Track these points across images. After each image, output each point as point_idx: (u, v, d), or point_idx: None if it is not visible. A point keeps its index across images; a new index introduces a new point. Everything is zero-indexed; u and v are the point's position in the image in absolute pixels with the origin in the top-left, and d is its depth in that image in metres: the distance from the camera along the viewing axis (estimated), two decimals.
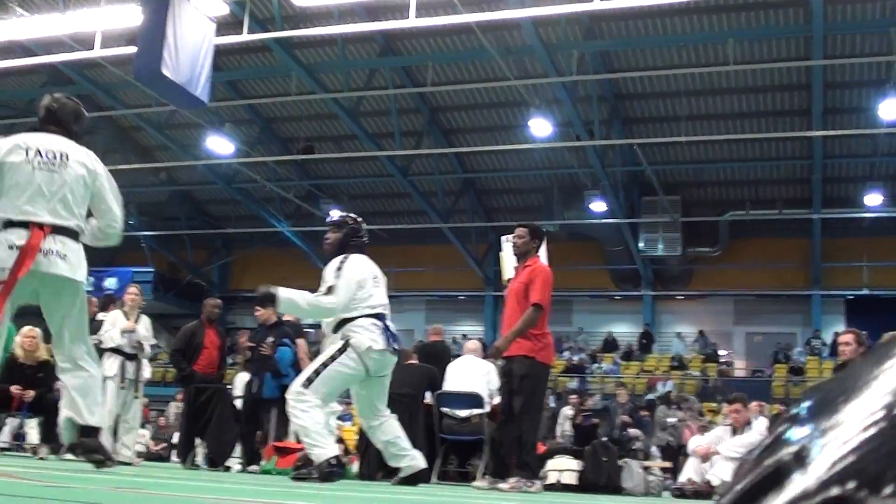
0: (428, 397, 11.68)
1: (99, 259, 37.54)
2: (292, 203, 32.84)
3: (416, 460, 8.31)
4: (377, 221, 32.94)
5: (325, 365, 7.67)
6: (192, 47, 15.13)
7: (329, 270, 7.95)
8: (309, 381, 7.62)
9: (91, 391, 6.54)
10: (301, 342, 12.54)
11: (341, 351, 7.71)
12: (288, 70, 24.77)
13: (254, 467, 11.98)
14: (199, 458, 12.69)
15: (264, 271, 35.11)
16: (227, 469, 12.07)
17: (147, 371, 12.23)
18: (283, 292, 7.70)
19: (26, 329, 12.38)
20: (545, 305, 8.84)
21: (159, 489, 4.93)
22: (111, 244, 6.76)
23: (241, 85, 27.48)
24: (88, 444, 6.53)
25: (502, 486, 8.55)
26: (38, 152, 6.31)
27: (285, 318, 12.54)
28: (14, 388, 12.00)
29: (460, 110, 27.74)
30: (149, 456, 18.20)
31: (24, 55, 21.49)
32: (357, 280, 7.93)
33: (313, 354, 11.91)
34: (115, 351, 11.50)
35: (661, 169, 29.06)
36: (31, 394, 11.98)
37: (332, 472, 7.49)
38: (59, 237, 6.22)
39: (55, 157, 6.33)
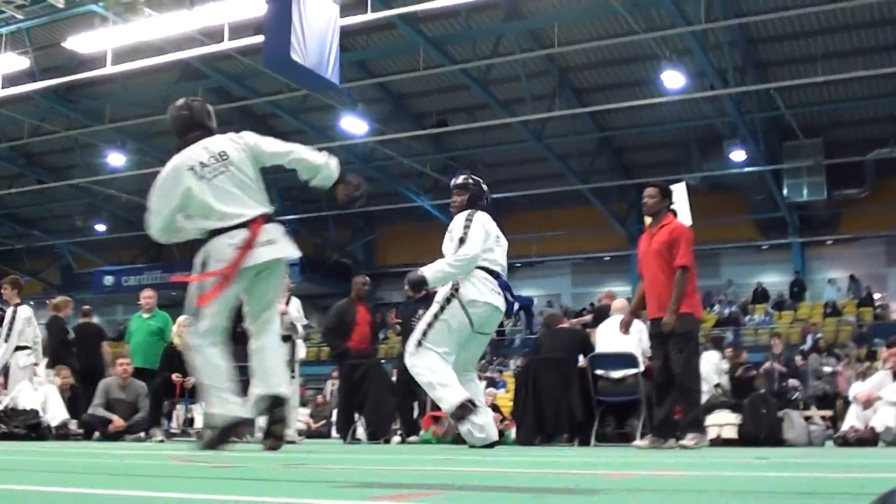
0: (581, 360, 11.63)
1: None
2: (430, 177, 32.99)
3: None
4: (515, 188, 32.85)
5: (431, 324, 7.82)
6: (318, 30, 15.27)
7: (457, 224, 8.02)
8: (419, 343, 7.80)
9: (283, 362, 7.02)
10: None
11: (446, 304, 7.84)
12: (415, 45, 24.82)
13: (413, 438, 12.11)
14: (359, 432, 12.88)
15: (407, 246, 35.51)
16: (388, 441, 12.23)
17: (302, 351, 12.45)
18: (427, 270, 7.76)
19: (182, 318, 12.72)
20: (692, 266, 8.77)
21: (325, 464, 5.01)
22: (327, 175, 6.85)
23: (369, 64, 27.64)
24: (278, 415, 6.72)
25: (686, 442, 8.51)
26: (201, 164, 6.55)
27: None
28: (175, 376, 12.36)
29: (590, 69, 27.44)
30: (309, 433, 18.56)
31: (156, 54, 21.96)
32: (486, 231, 8.01)
33: None
34: None
35: (801, 112, 28.30)
36: (191, 381, 12.32)
37: (466, 411, 7.59)
38: (267, 225, 6.53)
39: (217, 159, 6.58)
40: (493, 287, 7.95)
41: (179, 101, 7.10)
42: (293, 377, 12.02)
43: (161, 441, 11.93)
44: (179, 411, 14.75)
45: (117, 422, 12.23)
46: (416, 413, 12.85)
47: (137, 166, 32.55)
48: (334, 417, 17.75)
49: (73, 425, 12.47)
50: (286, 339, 11.79)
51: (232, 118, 29.80)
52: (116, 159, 32.90)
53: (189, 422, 14.52)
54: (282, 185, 32.82)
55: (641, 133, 31.05)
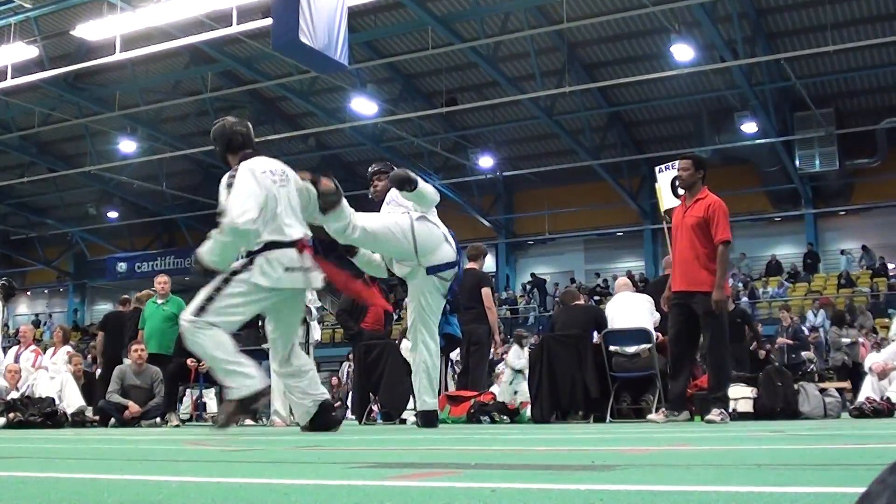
0: (595, 337, 11.63)
1: None
2: (441, 156, 32.96)
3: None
4: (526, 165, 32.87)
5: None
6: (326, 12, 15.21)
7: (398, 195, 8.15)
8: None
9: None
10: (486, 290, 12.56)
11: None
12: (423, 24, 24.77)
13: None
14: (375, 413, 12.90)
15: None
16: (403, 422, 12.25)
17: (317, 333, 12.45)
18: (421, 181, 7.90)
19: None
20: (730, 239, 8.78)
21: (340, 445, 5.02)
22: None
23: (378, 44, 27.60)
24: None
25: (712, 417, 8.54)
26: (272, 171, 6.78)
27: (468, 266, 12.67)
28: (189, 361, 12.39)
29: (599, 43, 27.36)
30: None
31: (164, 40, 21.90)
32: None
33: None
34: None
35: (811, 82, 28.18)
36: (206, 365, 12.35)
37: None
38: (307, 251, 6.80)
39: (281, 174, 6.85)
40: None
41: (231, 118, 7.31)
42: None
43: (177, 426, 11.97)
44: (191, 395, 14.77)
45: (133, 408, 12.26)
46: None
47: (149, 152, 32.63)
48: (350, 399, 17.80)
49: (89, 412, 12.51)
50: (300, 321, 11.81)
51: (243, 101, 29.89)
52: (127, 146, 32.93)
53: (203, 406, 14.56)
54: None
55: (652, 107, 30.97)
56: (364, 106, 28.75)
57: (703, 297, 8.60)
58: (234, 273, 6.57)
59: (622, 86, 28.49)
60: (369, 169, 8.83)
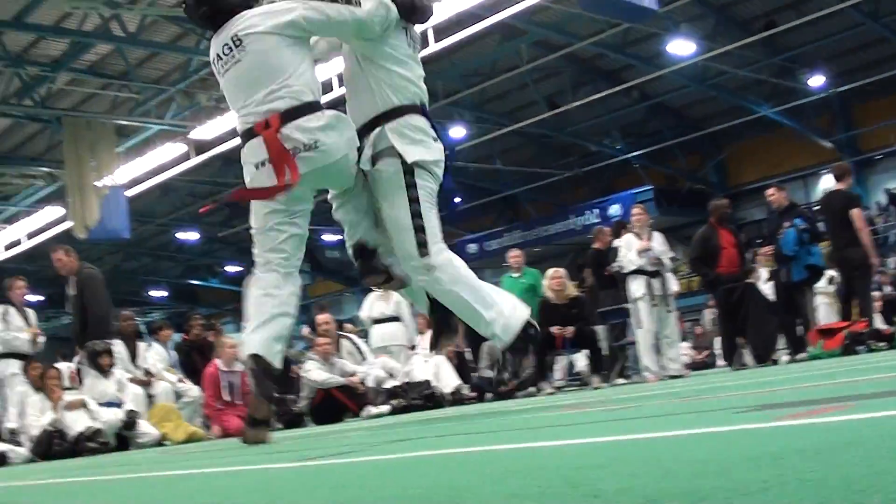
0: None
1: (598, 191, 38.48)
2: (768, 83, 31.87)
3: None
4: (860, 77, 31.20)
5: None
6: None
7: None
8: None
9: None
10: (856, 211, 12.02)
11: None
12: None
13: (801, 355, 11.80)
14: (746, 356, 12.68)
15: (759, 159, 34.60)
16: (776, 362, 11.98)
17: (674, 285, 12.39)
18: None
19: (551, 271, 13.00)
20: None
21: (719, 392, 4.99)
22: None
23: None
24: None
25: None
26: (218, 56, 5.51)
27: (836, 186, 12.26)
28: (554, 329, 12.62)
29: None
30: (695, 365, 18.47)
31: (474, 22, 22.27)
32: None
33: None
34: (638, 272, 11.79)
35: None
36: (570, 330, 12.54)
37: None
38: (292, 122, 5.36)
39: (230, 49, 5.45)
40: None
41: None
42: (669, 311, 12.01)
43: (551, 393, 12.21)
44: (562, 363, 15.01)
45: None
46: (800, 329, 12.51)
47: (478, 134, 33.40)
48: (716, 346, 17.61)
49: (466, 390, 12.97)
50: (655, 274, 11.80)
51: (560, 67, 30.04)
52: (457, 132, 33.80)
53: (570, 370, 14.79)
54: (620, 123, 32.96)
55: None
56: (682, 47, 28.19)
57: None
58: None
59: None
60: None
